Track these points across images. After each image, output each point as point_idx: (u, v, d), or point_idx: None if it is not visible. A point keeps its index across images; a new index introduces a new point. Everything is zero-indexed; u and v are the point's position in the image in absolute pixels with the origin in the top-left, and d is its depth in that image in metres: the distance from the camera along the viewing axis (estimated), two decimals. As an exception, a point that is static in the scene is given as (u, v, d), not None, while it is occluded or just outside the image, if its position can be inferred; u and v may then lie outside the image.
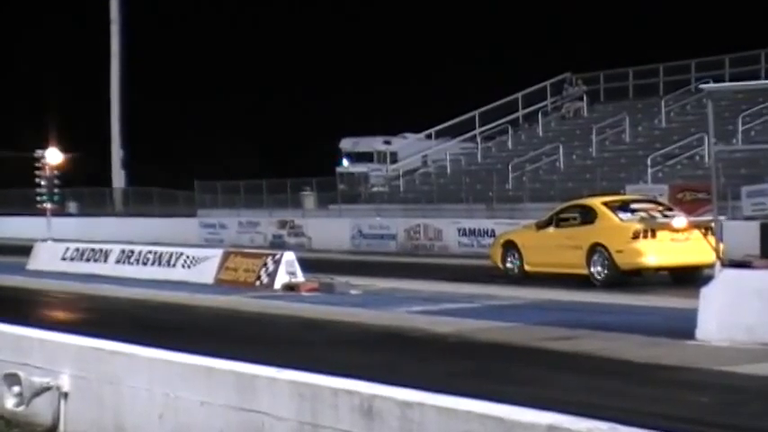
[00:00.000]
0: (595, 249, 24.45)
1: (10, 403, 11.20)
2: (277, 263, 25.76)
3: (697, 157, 39.63)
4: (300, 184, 50.47)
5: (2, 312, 16.46)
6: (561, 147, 45.01)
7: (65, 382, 11.25)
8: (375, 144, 56.51)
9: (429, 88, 70.47)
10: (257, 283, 25.86)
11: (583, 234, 24.87)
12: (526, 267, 26.11)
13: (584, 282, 24.08)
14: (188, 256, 28.64)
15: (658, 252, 24.12)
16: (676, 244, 24.12)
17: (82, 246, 33.07)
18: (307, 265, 26.31)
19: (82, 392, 11.13)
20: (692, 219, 25.42)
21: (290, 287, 24.98)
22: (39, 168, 37.20)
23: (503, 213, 38.49)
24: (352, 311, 20.63)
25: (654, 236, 24.15)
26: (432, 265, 33.12)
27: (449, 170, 49.01)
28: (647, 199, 27.64)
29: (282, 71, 79.57)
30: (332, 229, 43.51)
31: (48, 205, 37.64)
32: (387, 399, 8.01)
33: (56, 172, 37.33)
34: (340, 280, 24.98)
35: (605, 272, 24.22)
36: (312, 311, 21.08)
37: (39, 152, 37.49)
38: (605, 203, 25.43)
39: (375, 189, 51.94)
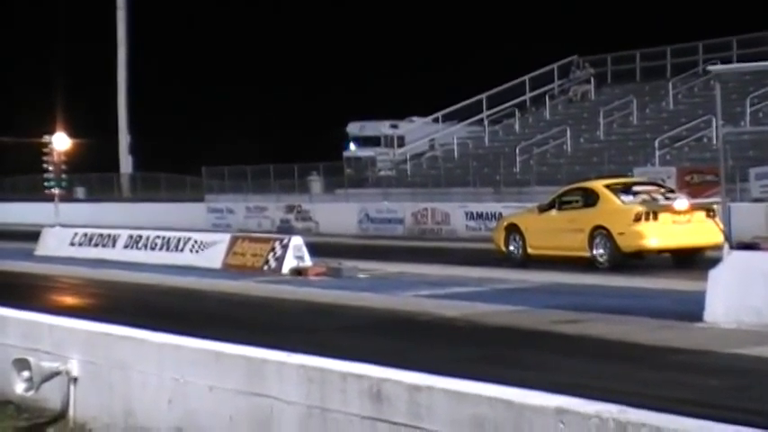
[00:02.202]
0: (597, 232, 24.40)
1: (20, 388, 11.20)
2: (285, 247, 25.77)
3: (705, 140, 39.59)
4: (307, 169, 50.53)
5: (11, 298, 16.50)
6: (568, 130, 44.99)
7: (74, 368, 11.25)
8: (382, 128, 56.51)
9: (436, 72, 70.39)
10: (265, 267, 25.87)
11: (585, 217, 24.83)
12: (529, 250, 26.03)
13: (588, 265, 24.06)
14: (196, 241, 28.66)
15: (660, 234, 24.07)
16: (678, 226, 24.11)
17: (90, 231, 33.09)
18: (314, 250, 26.33)
19: (91, 378, 11.13)
20: (694, 201, 25.43)
21: (297, 272, 25.00)
22: (46, 154, 37.20)
23: (510, 197, 38.46)
24: (359, 296, 20.65)
25: (656, 218, 24.12)
26: (439, 248, 33.12)
27: (456, 154, 49.02)
28: (649, 182, 27.61)
29: (290, 55, 79.52)
30: (339, 214, 43.51)
31: (55, 191, 37.65)
32: (395, 382, 8.00)
33: (63, 157, 37.33)
34: (347, 264, 24.97)
35: (607, 254, 24.21)
36: (320, 296, 21.10)
37: (46, 138, 37.50)
38: (607, 186, 25.40)
39: (382, 173, 51.96)
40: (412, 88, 66.66)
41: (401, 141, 54.02)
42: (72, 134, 38.78)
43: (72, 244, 32.73)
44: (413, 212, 40.33)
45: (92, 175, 59.85)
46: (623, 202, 24.62)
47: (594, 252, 24.36)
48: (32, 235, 35.31)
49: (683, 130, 40.71)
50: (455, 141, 49.54)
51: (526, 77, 50.71)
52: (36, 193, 46.51)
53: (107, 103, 64.57)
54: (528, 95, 50.83)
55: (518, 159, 44.09)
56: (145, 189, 59.36)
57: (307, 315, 19.04)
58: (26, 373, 11.14)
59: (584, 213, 24.94)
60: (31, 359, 11.20)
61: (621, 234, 24.08)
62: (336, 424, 8.35)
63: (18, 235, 41.24)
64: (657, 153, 38.95)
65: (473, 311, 17.65)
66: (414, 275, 24.33)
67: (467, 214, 37.90)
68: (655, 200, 24.69)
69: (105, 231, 32.61)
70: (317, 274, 24.59)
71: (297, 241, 26.01)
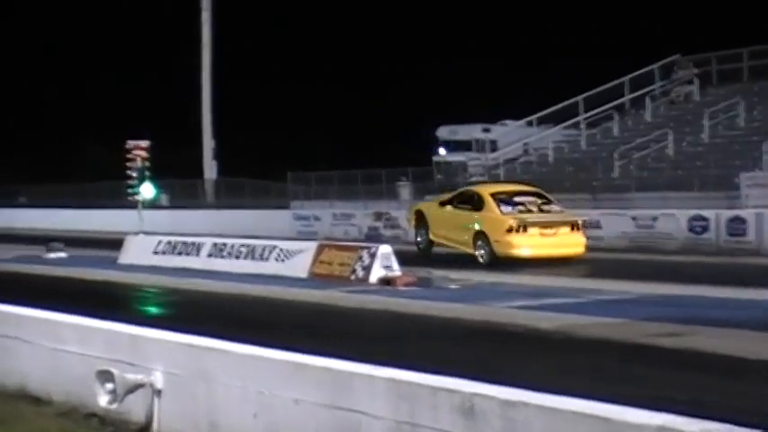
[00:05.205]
0: (479, 235, 28.80)
1: (103, 400, 11.11)
2: (372, 256, 25.45)
3: (816, 142, 38.44)
4: (396, 175, 50.07)
5: (94, 308, 16.41)
6: (671, 133, 43.92)
7: (158, 379, 11.11)
8: (473, 132, 55.89)
9: (531, 73, 69.55)
10: (352, 277, 25.56)
11: (471, 219, 29.20)
12: (431, 236, 30.95)
13: (692, 275, 23.87)
14: (281, 250, 28.39)
15: (529, 245, 27.93)
16: (545, 239, 28.05)
17: (173, 239, 32.86)
18: (403, 259, 25.98)
19: (175, 390, 10.98)
20: (563, 216, 28.98)
21: (386, 281, 24.66)
22: (130, 160, 37.22)
23: (608, 203, 37.82)
24: (450, 306, 20.21)
25: (525, 231, 27.99)
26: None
27: (551, 158, 48.25)
28: (533, 191, 30.51)
29: (376, 58, 79.16)
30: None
31: (139, 197, 37.62)
32: (488, 398, 7.78)
33: (147, 163, 37.29)
34: (438, 274, 24.58)
35: (486, 255, 28.51)
36: (409, 306, 20.74)
37: (130, 143, 37.50)
38: (493, 194, 29.40)
39: (474, 179, 51.31)
40: (505, 90, 65.86)
41: (494, 146, 53.39)
42: (156, 140, 38.74)
43: (155, 252, 32.58)
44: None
45: (175, 181, 59.77)
46: (502, 212, 28.59)
47: (476, 252, 28.79)
48: (116, 243, 35.33)
49: (794, 133, 39.56)
50: (550, 145, 48.79)
51: (626, 78, 49.66)
52: (119, 200, 46.66)
53: (191, 109, 64.76)
54: (627, 97, 49.84)
55: (616, 164, 43.22)
56: (229, 195, 59.38)
57: (395, 326, 18.75)
58: (110, 385, 11.06)
59: (471, 216, 29.27)
60: (115, 371, 11.10)
61: (497, 242, 28.29)
62: (427, 440, 8.08)
63: (102, 242, 41.48)
64: (765, 157, 37.91)
65: (568, 323, 17.21)
66: (506, 285, 23.88)
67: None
68: (530, 211, 28.51)
69: (189, 239, 32.43)
70: (406, 284, 24.21)
71: (385, 250, 25.67)
